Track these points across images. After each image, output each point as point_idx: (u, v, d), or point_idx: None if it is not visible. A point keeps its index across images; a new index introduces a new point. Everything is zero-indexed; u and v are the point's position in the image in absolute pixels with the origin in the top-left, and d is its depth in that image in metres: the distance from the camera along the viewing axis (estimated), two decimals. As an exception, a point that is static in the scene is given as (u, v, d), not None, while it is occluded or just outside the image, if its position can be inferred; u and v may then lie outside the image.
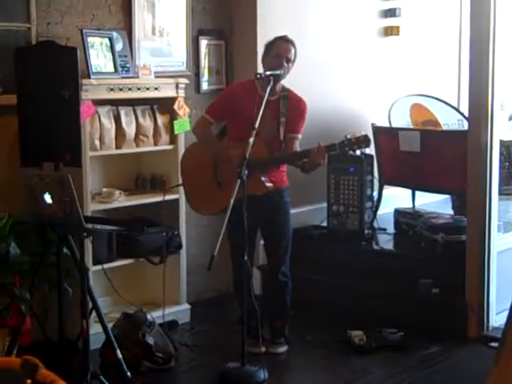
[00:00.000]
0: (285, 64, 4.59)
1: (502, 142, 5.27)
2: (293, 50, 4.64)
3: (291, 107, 4.68)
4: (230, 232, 4.43)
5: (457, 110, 7.13)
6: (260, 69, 4.84)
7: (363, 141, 4.48)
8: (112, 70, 4.96)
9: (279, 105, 4.66)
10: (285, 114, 4.66)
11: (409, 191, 6.54)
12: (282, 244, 4.78)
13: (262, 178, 4.55)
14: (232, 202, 4.16)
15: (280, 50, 4.62)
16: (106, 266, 4.70)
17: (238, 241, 4.42)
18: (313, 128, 4.99)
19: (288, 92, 4.72)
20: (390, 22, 7.09)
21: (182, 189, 5.14)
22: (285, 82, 4.71)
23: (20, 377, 1.79)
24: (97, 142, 4.85)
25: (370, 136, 4.60)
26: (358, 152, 4.65)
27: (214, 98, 5.72)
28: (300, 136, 4.72)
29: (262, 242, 5.09)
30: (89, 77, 4.75)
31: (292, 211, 4.91)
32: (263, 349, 4.68)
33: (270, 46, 4.69)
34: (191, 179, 4.81)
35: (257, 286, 5.49)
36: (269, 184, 4.58)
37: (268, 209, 4.68)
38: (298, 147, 4.69)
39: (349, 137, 4.48)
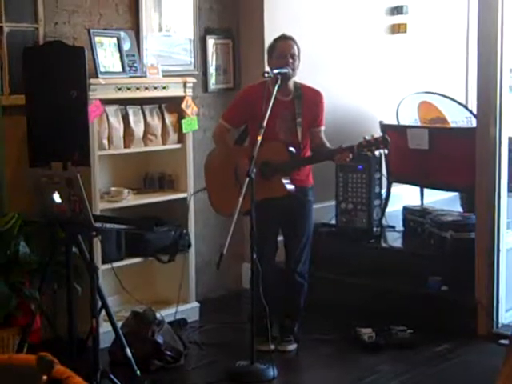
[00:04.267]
0: (290, 61, 4.59)
1: (510, 139, 5.25)
2: (295, 46, 4.65)
3: (307, 104, 4.68)
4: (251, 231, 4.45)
5: (465, 107, 7.11)
6: (267, 68, 4.83)
7: (382, 142, 4.47)
8: (120, 69, 4.97)
9: (294, 105, 4.66)
10: (300, 114, 4.65)
11: (417, 189, 6.53)
12: (301, 243, 4.77)
13: (284, 181, 4.57)
14: (241, 199, 4.17)
15: (283, 50, 4.62)
16: (115, 264, 4.72)
17: (257, 240, 4.40)
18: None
19: (301, 89, 4.70)
20: (398, 19, 7.08)
21: (190, 187, 5.18)
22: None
23: (36, 373, 1.79)
24: (105, 142, 4.86)
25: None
26: (376, 153, 4.65)
27: (221, 98, 5.76)
28: (324, 127, 4.76)
29: (280, 238, 5.06)
30: (97, 76, 4.76)
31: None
32: (272, 347, 4.67)
33: (272, 49, 4.69)
34: (215, 182, 4.84)
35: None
36: (290, 186, 4.60)
37: (290, 207, 4.68)
38: (324, 139, 4.74)
39: (367, 138, 4.47)
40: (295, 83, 4.70)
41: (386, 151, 4.76)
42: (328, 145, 4.70)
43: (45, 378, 1.78)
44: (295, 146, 4.63)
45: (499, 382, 2.36)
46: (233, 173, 4.70)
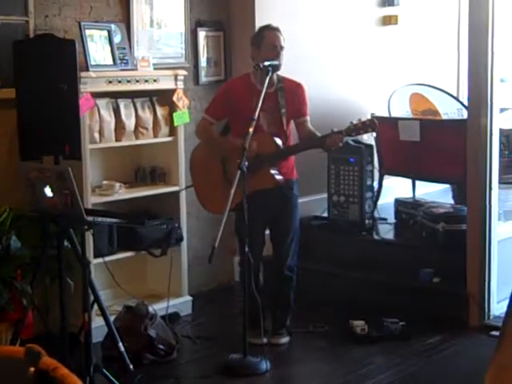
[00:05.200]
0: (281, 52, 4.59)
1: (501, 131, 5.26)
2: (281, 37, 4.64)
3: (290, 96, 4.69)
4: (237, 225, 4.44)
5: (456, 99, 7.12)
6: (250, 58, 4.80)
7: (369, 125, 4.49)
8: (111, 62, 4.95)
9: (277, 96, 4.66)
10: (284, 105, 4.66)
11: (409, 181, 6.54)
12: (288, 238, 4.77)
13: (272, 171, 4.56)
14: (233, 191, 4.16)
15: (272, 41, 4.61)
16: (107, 258, 4.71)
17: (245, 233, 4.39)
18: (312, 118, 4.98)
19: (283, 82, 4.71)
20: (389, 11, 7.08)
21: (182, 180, 5.17)
22: (283, 73, 4.71)
23: (24, 364, 1.80)
24: (96, 135, 4.85)
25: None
26: (365, 137, 4.65)
27: (212, 90, 5.73)
28: (308, 117, 4.77)
29: (267, 231, 5.06)
30: (87, 69, 4.74)
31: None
32: (265, 340, 4.67)
33: (259, 39, 4.66)
34: (201, 178, 4.82)
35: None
36: (279, 177, 4.59)
37: (277, 201, 4.68)
38: (311, 128, 4.74)
39: (355, 122, 4.48)
40: (277, 75, 4.69)
41: (375, 134, 4.77)
42: (317, 133, 4.69)
43: (32, 369, 1.79)
44: (280, 137, 4.63)
45: (490, 372, 2.36)
46: (220, 167, 4.68)
